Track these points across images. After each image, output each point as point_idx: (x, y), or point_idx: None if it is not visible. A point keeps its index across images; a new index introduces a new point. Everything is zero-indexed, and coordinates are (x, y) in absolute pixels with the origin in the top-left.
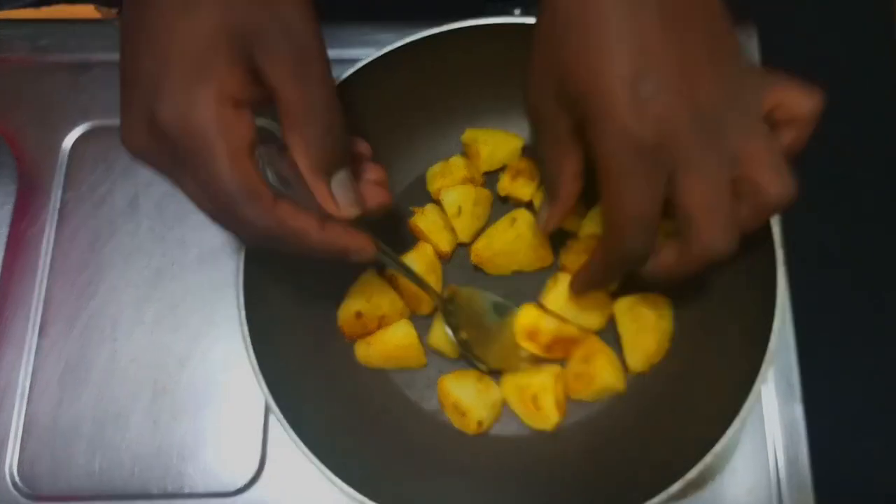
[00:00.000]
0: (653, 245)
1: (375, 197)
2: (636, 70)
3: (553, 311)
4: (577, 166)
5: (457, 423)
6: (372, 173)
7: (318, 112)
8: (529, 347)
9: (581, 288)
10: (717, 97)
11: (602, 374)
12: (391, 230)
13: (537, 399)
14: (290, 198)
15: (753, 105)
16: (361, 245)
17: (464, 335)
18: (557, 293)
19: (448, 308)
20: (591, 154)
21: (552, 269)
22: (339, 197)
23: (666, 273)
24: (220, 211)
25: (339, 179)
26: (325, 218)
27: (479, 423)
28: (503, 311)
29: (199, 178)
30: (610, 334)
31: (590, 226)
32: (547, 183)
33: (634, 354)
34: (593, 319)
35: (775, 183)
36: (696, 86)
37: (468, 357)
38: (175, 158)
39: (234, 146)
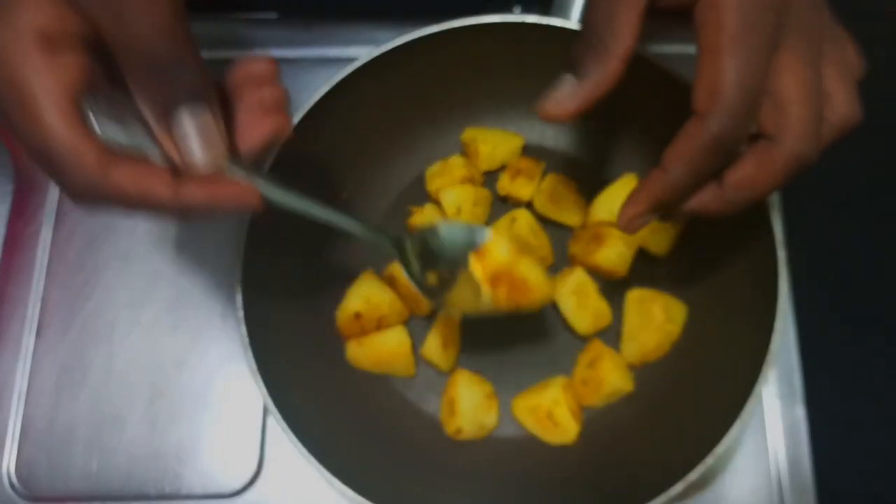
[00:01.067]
0: (745, 138)
1: (262, 127)
2: None
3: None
4: (641, 7)
5: (442, 414)
6: (266, 93)
7: (147, 47)
8: (475, 269)
9: (645, 205)
10: None
11: (610, 378)
12: (391, 230)
13: (552, 414)
14: (139, 152)
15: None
16: (233, 198)
17: (431, 280)
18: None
19: (411, 256)
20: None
21: (552, 271)
22: (186, 140)
23: (740, 188)
24: (48, 174)
25: (185, 119)
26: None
27: (458, 430)
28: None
29: (15, 132)
30: (612, 331)
31: (598, 212)
32: (588, 29)
33: (630, 346)
34: (584, 323)
35: (848, 102)
36: None
37: (437, 304)
38: None
39: (49, 97)
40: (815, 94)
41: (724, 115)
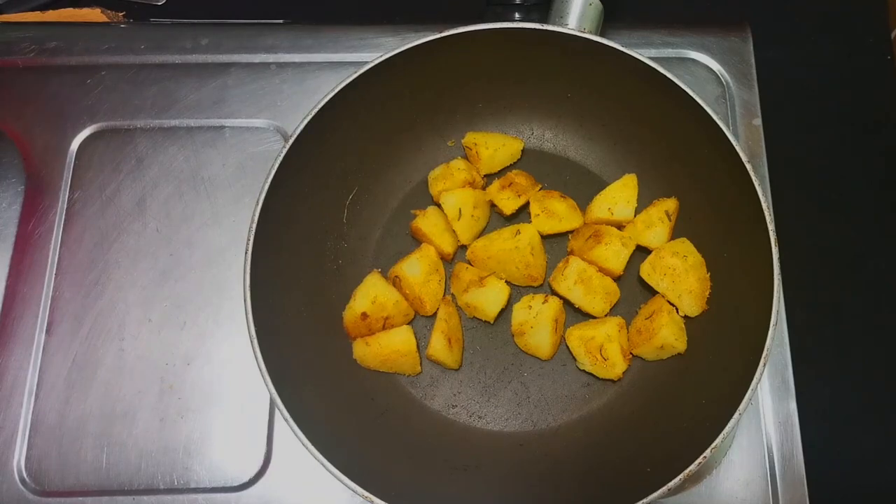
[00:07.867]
0: None
1: None
2: None
3: (560, 294)
4: None
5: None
6: None
7: None
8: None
9: None
10: None
11: (663, 332)
12: (395, 232)
13: (604, 349)
14: None
15: None
16: None
17: None
18: (566, 275)
19: None
20: None
21: (542, 289)
22: None
23: None
24: None
25: None
26: None
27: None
28: None
29: None
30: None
31: (597, 211)
32: None
33: (683, 300)
34: (597, 305)
35: None
36: None
37: None
38: None
39: None
40: None
41: None
